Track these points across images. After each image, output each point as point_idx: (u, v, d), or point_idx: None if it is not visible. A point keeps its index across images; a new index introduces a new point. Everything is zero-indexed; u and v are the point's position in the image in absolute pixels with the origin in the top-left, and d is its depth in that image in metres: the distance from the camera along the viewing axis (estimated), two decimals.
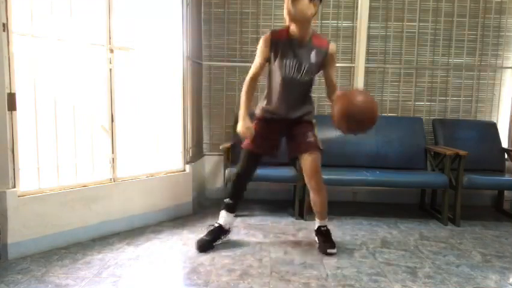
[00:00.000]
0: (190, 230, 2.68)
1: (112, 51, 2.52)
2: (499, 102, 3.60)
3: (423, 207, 3.42)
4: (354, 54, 3.55)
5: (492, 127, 3.45)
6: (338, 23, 3.54)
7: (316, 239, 2.43)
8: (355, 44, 3.53)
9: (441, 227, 2.90)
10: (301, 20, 2.03)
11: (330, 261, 2.18)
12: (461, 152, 2.92)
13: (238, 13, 3.52)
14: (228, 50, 3.57)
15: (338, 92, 2.13)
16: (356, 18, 3.51)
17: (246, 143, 2.27)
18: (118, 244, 2.41)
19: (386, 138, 3.36)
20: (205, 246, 2.29)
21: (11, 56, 2.06)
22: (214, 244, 2.34)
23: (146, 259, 2.19)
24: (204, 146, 3.63)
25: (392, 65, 3.57)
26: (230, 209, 2.40)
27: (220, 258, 2.23)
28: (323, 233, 2.38)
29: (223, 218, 2.40)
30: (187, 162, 3.07)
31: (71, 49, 2.38)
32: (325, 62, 2.16)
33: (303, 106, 2.25)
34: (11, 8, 2.04)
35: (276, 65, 2.13)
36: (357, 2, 3.48)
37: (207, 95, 3.59)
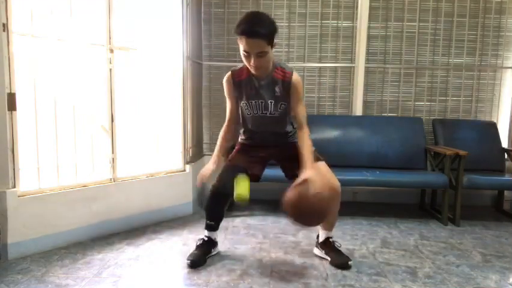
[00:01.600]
0: (190, 230, 2.68)
1: (112, 51, 2.52)
2: (499, 102, 3.60)
3: (423, 207, 3.42)
4: (354, 54, 3.55)
5: (492, 127, 3.45)
6: (338, 23, 3.54)
7: (319, 252, 2.24)
8: (355, 44, 3.53)
9: (441, 227, 2.90)
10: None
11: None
12: (461, 152, 2.92)
13: (238, 13, 3.52)
14: (228, 50, 3.57)
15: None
16: (356, 18, 3.51)
17: (228, 159, 2.18)
18: (118, 244, 2.41)
19: (386, 138, 3.36)
20: (198, 262, 2.11)
21: (11, 56, 2.06)
22: (206, 258, 2.17)
23: (146, 259, 2.19)
24: (204, 146, 3.63)
25: (392, 65, 3.57)
26: (212, 228, 2.21)
27: (220, 258, 2.23)
28: (331, 245, 2.20)
29: (208, 233, 2.24)
30: (187, 162, 3.07)
31: (71, 49, 2.38)
32: (289, 94, 2.00)
33: (283, 132, 2.14)
34: (11, 8, 2.04)
35: (243, 105, 2.05)
36: (357, 2, 3.48)
37: (206, 95, 3.59)
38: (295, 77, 1.99)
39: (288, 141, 2.17)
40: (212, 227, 2.21)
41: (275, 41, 1.86)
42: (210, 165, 2.06)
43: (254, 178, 2.15)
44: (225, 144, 2.15)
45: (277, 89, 1.98)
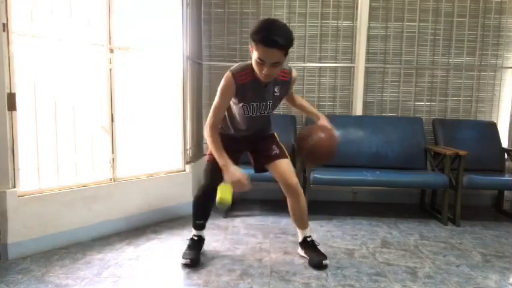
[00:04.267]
0: (190, 230, 2.66)
1: (112, 51, 2.52)
2: (499, 102, 3.60)
3: (423, 207, 3.42)
4: (354, 54, 3.55)
5: (492, 127, 3.45)
6: (338, 23, 3.54)
7: (303, 253, 2.24)
8: (355, 44, 3.53)
9: (441, 227, 2.90)
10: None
11: (330, 261, 2.17)
12: (461, 152, 2.92)
13: (238, 13, 3.52)
14: (228, 50, 3.57)
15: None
16: (356, 18, 3.51)
17: (209, 156, 2.12)
18: (118, 244, 2.41)
19: (386, 138, 3.36)
20: (198, 260, 2.14)
21: (11, 56, 2.06)
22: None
23: (146, 259, 2.19)
24: (204, 146, 3.63)
25: (392, 65, 3.57)
26: (200, 227, 2.25)
27: (220, 258, 2.23)
28: (310, 245, 2.20)
29: (197, 232, 2.27)
30: (187, 162, 3.07)
31: (71, 49, 2.38)
32: (288, 89, 2.06)
33: (264, 129, 2.19)
34: (11, 8, 2.04)
35: (241, 107, 1.96)
36: (357, 2, 3.48)
37: (206, 95, 3.59)
38: (294, 72, 2.04)
39: (263, 134, 2.20)
40: (201, 226, 2.25)
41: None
42: (237, 171, 1.89)
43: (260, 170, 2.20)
44: (222, 148, 1.98)
45: (276, 89, 1.98)
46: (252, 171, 2.21)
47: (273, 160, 2.12)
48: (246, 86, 1.89)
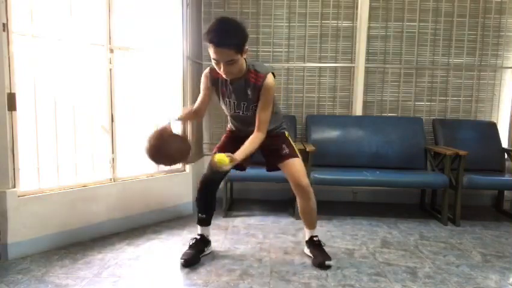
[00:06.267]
0: (190, 230, 2.68)
1: (112, 51, 2.52)
2: (499, 102, 3.60)
3: (423, 207, 3.42)
4: (354, 54, 3.55)
5: (492, 127, 3.45)
6: (338, 23, 3.54)
7: (308, 251, 2.26)
8: (355, 44, 3.53)
9: (441, 227, 2.90)
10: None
11: (330, 262, 2.17)
12: (461, 152, 2.92)
13: (238, 13, 3.52)
14: None
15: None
16: (356, 18, 3.51)
17: (216, 148, 2.19)
18: (118, 244, 2.41)
19: (386, 138, 3.36)
20: (191, 260, 2.12)
21: (11, 56, 2.06)
22: (200, 256, 2.19)
23: (146, 259, 2.19)
24: (204, 146, 3.63)
25: (392, 65, 3.57)
26: (204, 222, 2.25)
27: (220, 258, 2.23)
28: (316, 244, 2.22)
29: (201, 229, 2.27)
30: (187, 162, 3.07)
31: (71, 49, 2.38)
32: (258, 97, 1.98)
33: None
34: (11, 8, 2.04)
35: (221, 103, 2.11)
36: (357, 2, 3.48)
37: None
38: (268, 80, 1.92)
39: (273, 133, 2.14)
40: (204, 220, 2.23)
41: (246, 47, 1.83)
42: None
43: (239, 167, 2.16)
44: (191, 111, 2.16)
45: (249, 91, 1.97)
46: (263, 170, 2.30)
47: (283, 160, 2.13)
48: (219, 81, 2.00)
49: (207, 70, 2.06)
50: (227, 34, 1.74)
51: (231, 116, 2.16)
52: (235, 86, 1.98)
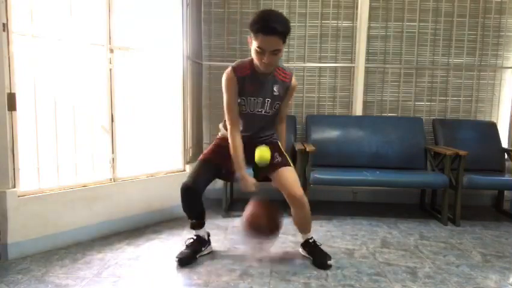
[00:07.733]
0: (189, 230, 2.66)
1: (112, 51, 2.52)
2: (499, 102, 3.60)
3: (423, 207, 3.42)
4: (354, 54, 3.55)
5: (492, 127, 3.45)
6: (338, 23, 3.54)
7: (305, 253, 2.23)
8: (355, 44, 3.53)
9: (441, 227, 2.90)
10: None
11: (330, 261, 2.17)
12: (461, 152, 2.92)
13: (238, 13, 3.52)
14: (228, 50, 3.57)
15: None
16: (356, 18, 3.51)
17: (203, 155, 2.15)
18: (118, 244, 2.41)
19: (386, 138, 3.36)
20: (186, 259, 2.11)
21: (11, 56, 2.06)
22: (197, 256, 2.18)
23: (146, 259, 2.19)
24: (204, 146, 3.63)
25: (392, 65, 3.57)
26: (197, 226, 2.20)
27: (220, 258, 2.23)
28: (313, 245, 2.19)
29: (196, 231, 2.23)
30: (187, 162, 3.07)
31: (71, 49, 2.38)
32: (285, 95, 2.05)
33: (265, 131, 2.14)
34: (11, 8, 2.04)
35: (240, 102, 2.01)
36: (357, 2, 3.48)
37: (206, 95, 3.59)
38: (294, 80, 2.06)
39: (266, 141, 2.12)
40: (197, 224, 2.21)
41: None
42: (249, 178, 2.00)
43: (227, 177, 2.16)
44: (242, 154, 2.00)
45: (275, 88, 1.99)
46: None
47: (275, 169, 2.06)
48: (246, 78, 1.96)
49: (229, 71, 1.95)
50: (276, 22, 1.77)
51: (246, 117, 2.04)
52: (266, 81, 1.98)
